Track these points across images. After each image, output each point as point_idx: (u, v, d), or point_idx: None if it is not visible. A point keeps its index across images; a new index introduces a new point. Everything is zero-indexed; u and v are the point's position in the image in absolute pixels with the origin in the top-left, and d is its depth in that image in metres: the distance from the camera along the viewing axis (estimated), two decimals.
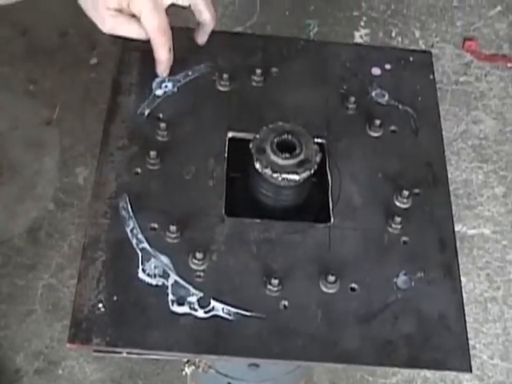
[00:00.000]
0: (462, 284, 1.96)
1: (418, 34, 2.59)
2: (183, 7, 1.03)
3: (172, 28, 1.01)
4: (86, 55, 2.38)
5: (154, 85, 1.08)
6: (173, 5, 1.02)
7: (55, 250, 2.00)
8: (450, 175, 2.15)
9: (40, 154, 2.17)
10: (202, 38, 1.10)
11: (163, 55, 1.03)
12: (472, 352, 1.86)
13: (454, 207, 2.11)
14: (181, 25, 1.09)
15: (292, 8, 2.59)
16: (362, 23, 2.60)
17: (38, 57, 2.35)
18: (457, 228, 2.10)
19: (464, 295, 1.94)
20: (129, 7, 0.99)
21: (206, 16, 1.05)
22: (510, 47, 2.59)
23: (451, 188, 2.19)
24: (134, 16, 1.00)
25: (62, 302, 1.91)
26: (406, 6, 2.66)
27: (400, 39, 2.57)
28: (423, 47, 2.54)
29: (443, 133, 1.09)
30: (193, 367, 1.21)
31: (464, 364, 0.90)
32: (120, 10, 0.99)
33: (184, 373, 1.24)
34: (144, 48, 1.05)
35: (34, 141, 2.19)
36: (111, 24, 0.99)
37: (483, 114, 2.41)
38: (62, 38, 2.40)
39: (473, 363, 1.84)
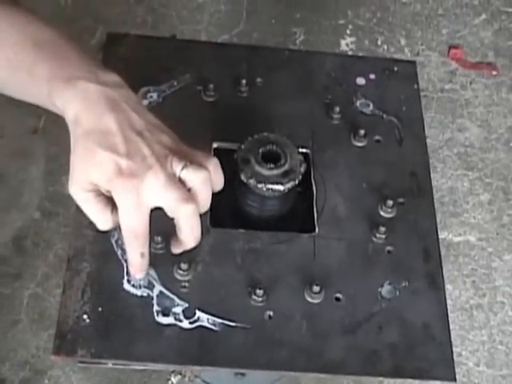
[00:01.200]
0: (448, 291, 1.98)
1: (403, 41, 2.61)
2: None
3: (150, 229, 0.83)
4: None
5: (139, 95, 1.08)
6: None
7: (41, 259, 1.99)
8: (435, 183, 2.18)
9: (26, 163, 2.17)
10: (175, 250, 0.90)
11: (133, 259, 0.85)
12: (458, 359, 1.89)
13: (439, 215, 2.14)
14: (167, 33, 1.09)
15: (278, 16, 2.59)
16: (348, 31, 2.60)
17: None
18: (443, 235, 2.11)
19: (450, 302, 1.97)
20: (109, 193, 0.81)
21: (184, 236, 0.85)
22: (495, 55, 2.60)
23: (437, 195, 2.21)
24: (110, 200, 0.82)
25: (47, 311, 1.91)
26: (392, 14, 2.68)
27: (386, 47, 2.58)
28: (409, 55, 2.55)
29: (429, 140, 1.09)
30: (179, 377, 1.22)
31: (449, 373, 0.90)
32: (98, 189, 0.81)
33: (170, 382, 1.24)
34: (127, 57, 1.05)
35: (20, 150, 2.18)
36: (78, 193, 0.81)
37: (468, 121, 2.43)
38: None
39: (459, 370, 1.86)
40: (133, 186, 0.79)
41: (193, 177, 0.82)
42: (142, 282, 0.90)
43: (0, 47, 0.86)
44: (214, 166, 0.85)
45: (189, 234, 0.84)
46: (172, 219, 0.82)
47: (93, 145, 0.79)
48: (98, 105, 0.81)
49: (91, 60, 0.87)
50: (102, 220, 0.83)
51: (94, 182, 0.79)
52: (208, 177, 0.83)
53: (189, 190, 0.82)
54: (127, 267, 0.90)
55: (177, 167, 0.81)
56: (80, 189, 0.80)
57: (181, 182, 0.82)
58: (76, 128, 0.81)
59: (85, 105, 0.81)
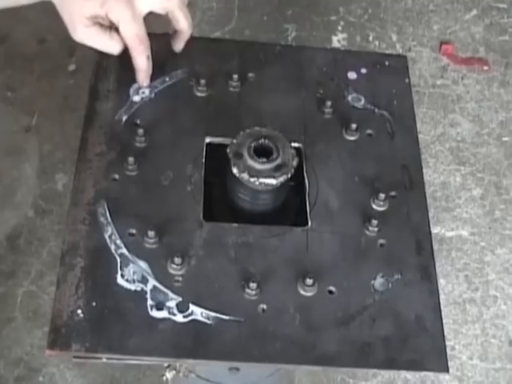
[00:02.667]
0: (441, 286, 1.99)
1: (395, 37, 2.61)
2: (160, 15, 1.03)
3: (149, 35, 1.01)
4: (64, 61, 2.38)
5: (132, 91, 1.08)
6: (150, 13, 1.01)
7: (35, 257, 1.99)
8: (428, 178, 2.19)
9: (19, 161, 2.17)
10: (178, 46, 1.10)
11: (142, 63, 1.03)
12: (451, 353, 1.90)
13: (432, 209, 2.15)
14: (158, 31, 1.10)
15: (270, 13, 2.60)
16: (340, 28, 2.61)
17: (16, 64, 2.35)
18: (435, 230, 2.12)
19: (443, 297, 1.98)
20: (106, 16, 0.97)
21: (182, 24, 1.05)
22: (485, 50, 2.61)
23: (429, 190, 2.22)
24: (109, 27, 0.99)
25: (42, 308, 1.91)
26: (383, 10, 2.68)
27: (377, 43, 2.58)
28: (400, 51, 2.56)
29: (421, 136, 1.10)
30: (173, 372, 1.21)
31: (441, 365, 0.90)
32: (96, 18, 0.98)
33: (165, 378, 1.24)
34: (121, 53, 1.05)
35: (13, 148, 2.18)
36: (82, 34, 0.98)
37: (460, 116, 2.43)
38: (40, 44, 2.40)
39: (452, 364, 1.87)
40: (124, 3, 0.96)
41: None
42: (135, 278, 0.90)
43: None
44: None
45: (184, 19, 1.04)
46: (166, 15, 1.02)
47: None
48: None
49: None
50: (113, 44, 1.00)
51: (91, 14, 0.95)
52: None
53: None
54: (136, 77, 1.06)
55: None
56: (83, 29, 0.96)
57: None
58: None
59: None
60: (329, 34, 2.58)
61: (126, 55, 1.03)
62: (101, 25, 0.98)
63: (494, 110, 2.47)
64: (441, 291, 1.97)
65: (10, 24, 2.37)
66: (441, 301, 0.96)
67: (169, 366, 1.22)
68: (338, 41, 2.57)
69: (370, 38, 2.60)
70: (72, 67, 2.37)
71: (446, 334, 0.93)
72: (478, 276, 2.11)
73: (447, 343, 0.93)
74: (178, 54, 1.11)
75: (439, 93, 2.48)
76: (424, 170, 1.08)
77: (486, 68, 2.57)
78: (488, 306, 2.05)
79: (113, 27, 0.99)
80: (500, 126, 2.44)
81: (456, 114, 2.44)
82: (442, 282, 2.03)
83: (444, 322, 0.94)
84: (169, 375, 1.23)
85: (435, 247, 1.00)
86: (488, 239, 2.19)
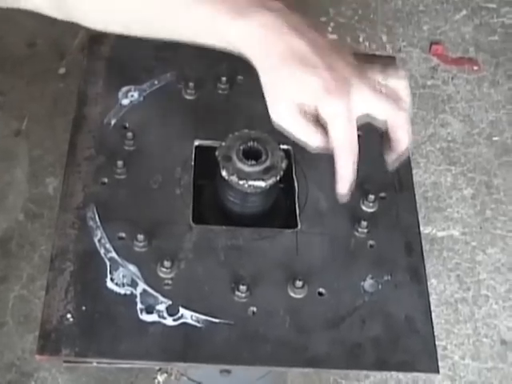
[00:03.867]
0: (433, 286, 1.99)
1: (385, 38, 2.62)
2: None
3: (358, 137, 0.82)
4: (54, 65, 2.38)
5: (120, 94, 1.08)
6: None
7: (26, 261, 1.99)
8: (418, 178, 2.19)
9: (9, 165, 2.16)
10: (391, 157, 0.89)
11: (347, 172, 0.84)
12: (443, 352, 1.91)
13: (423, 210, 2.15)
14: None
15: None
16: (330, 29, 2.61)
17: (6, 67, 2.34)
18: (427, 230, 2.12)
19: (435, 297, 1.98)
20: (316, 109, 0.80)
21: (402, 145, 0.86)
22: (475, 50, 2.62)
23: (420, 191, 2.22)
24: (315, 119, 0.81)
25: (33, 313, 1.90)
26: (373, 11, 2.69)
27: (367, 44, 2.59)
28: (390, 51, 2.56)
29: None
30: (165, 375, 1.22)
31: (432, 365, 0.90)
32: (303, 106, 0.80)
33: (156, 381, 1.24)
34: (109, 57, 1.05)
35: (3, 152, 2.18)
36: (284, 117, 0.81)
37: (451, 116, 2.44)
38: (30, 48, 2.40)
39: (444, 364, 1.87)
40: (342, 100, 0.79)
41: (395, 82, 0.83)
42: (124, 282, 0.90)
43: None
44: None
45: (407, 141, 0.85)
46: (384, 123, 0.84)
47: (292, 66, 0.79)
48: (280, 32, 0.80)
49: None
50: (313, 138, 0.82)
51: (301, 102, 0.79)
52: (408, 81, 0.84)
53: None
54: (336, 184, 0.85)
55: (375, 73, 0.82)
56: (287, 114, 0.80)
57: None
58: (265, 60, 0.80)
59: (266, 35, 0.80)
60: None
61: (113, 55, 1.02)
62: (305, 112, 0.81)
63: (484, 110, 2.47)
64: (432, 291, 1.98)
65: (0, 28, 2.36)
66: (433, 301, 0.96)
67: (160, 369, 1.22)
68: None
69: (361, 39, 2.61)
70: (62, 70, 2.37)
71: (437, 333, 0.93)
72: (470, 276, 2.11)
73: (439, 343, 0.93)
74: (167, 57, 1.11)
75: (429, 93, 2.49)
76: (415, 171, 1.08)
77: (475, 68, 2.57)
78: (480, 306, 2.06)
79: (320, 122, 0.82)
80: (490, 126, 2.44)
81: (446, 114, 2.45)
82: (433, 281, 2.03)
83: (436, 321, 0.94)
84: (160, 378, 1.23)
85: (426, 247, 1.01)
86: (479, 239, 2.19)
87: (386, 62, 0.85)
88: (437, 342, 0.92)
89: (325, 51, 0.81)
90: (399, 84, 0.83)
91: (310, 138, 0.82)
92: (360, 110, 0.81)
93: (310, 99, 0.79)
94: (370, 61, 0.85)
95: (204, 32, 0.82)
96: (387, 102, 0.82)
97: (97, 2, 0.85)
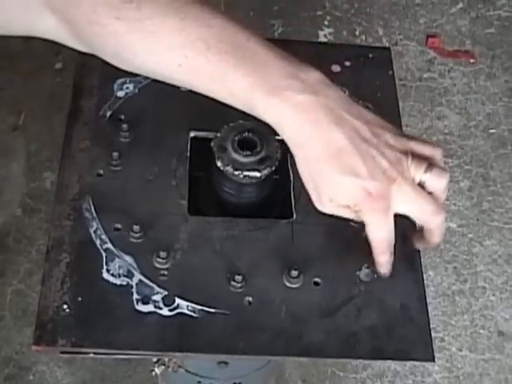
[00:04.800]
0: (430, 278, 1.99)
1: (381, 31, 2.62)
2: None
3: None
4: (50, 60, 2.38)
5: (116, 86, 1.08)
6: None
7: (23, 256, 1.99)
8: None
9: (7, 160, 2.16)
10: (419, 245, 0.94)
11: (384, 261, 0.87)
12: (441, 344, 1.91)
13: None
14: None
15: (256, 9, 2.60)
16: (326, 22, 2.62)
17: (2, 62, 2.34)
18: None
19: (432, 289, 1.98)
20: (354, 207, 0.81)
21: (434, 240, 0.88)
22: (472, 43, 2.62)
23: None
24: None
25: (31, 307, 1.91)
26: (370, 4, 2.69)
27: (364, 37, 2.59)
28: (387, 45, 2.56)
29: (408, 129, 1.10)
30: (162, 367, 1.22)
31: (427, 354, 0.90)
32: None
33: (154, 373, 1.24)
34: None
35: (0, 147, 2.18)
36: (328, 209, 0.83)
37: (447, 109, 2.44)
38: (25, 43, 2.39)
39: (442, 355, 1.87)
40: (382, 206, 0.80)
41: (436, 182, 0.82)
42: (120, 272, 0.91)
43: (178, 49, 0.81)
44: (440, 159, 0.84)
45: (439, 238, 0.87)
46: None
47: (332, 171, 0.78)
48: (316, 120, 0.77)
49: (287, 60, 0.80)
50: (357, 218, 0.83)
51: (342, 204, 0.80)
52: (448, 181, 0.83)
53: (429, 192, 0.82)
54: (378, 268, 0.89)
55: (417, 172, 0.81)
56: (331, 209, 0.82)
57: (420, 184, 0.82)
58: (300, 149, 0.79)
59: (302, 122, 0.77)
60: (315, 29, 2.59)
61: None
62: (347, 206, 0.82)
63: (480, 103, 2.48)
64: (430, 283, 1.98)
65: None
66: (430, 293, 0.96)
67: (158, 361, 1.22)
68: (324, 36, 2.57)
69: (357, 33, 2.61)
70: (58, 65, 2.37)
71: (435, 325, 0.94)
72: (467, 267, 2.11)
73: (436, 335, 0.93)
74: None
75: (426, 86, 2.49)
76: None
77: (472, 61, 2.58)
78: (477, 298, 2.06)
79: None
80: (487, 118, 2.45)
81: (443, 107, 2.45)
82: (430, 273, 2.03)
83: (433, 313, 0.95)
84: (158, 370, 1.23)
85: None
86: (476, 231, 2.19)
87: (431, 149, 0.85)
88: (434, 334, 0.93)
89: (366, 139, 0.79)
90: (440, 184, 0.82)
91: (355, 218, 0.83)
92: (399, 211, 0.81)
93: (351, 202, 0.80)
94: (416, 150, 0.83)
95: (235, 102, 0.82)
96: (427, 205, 0.82)
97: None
